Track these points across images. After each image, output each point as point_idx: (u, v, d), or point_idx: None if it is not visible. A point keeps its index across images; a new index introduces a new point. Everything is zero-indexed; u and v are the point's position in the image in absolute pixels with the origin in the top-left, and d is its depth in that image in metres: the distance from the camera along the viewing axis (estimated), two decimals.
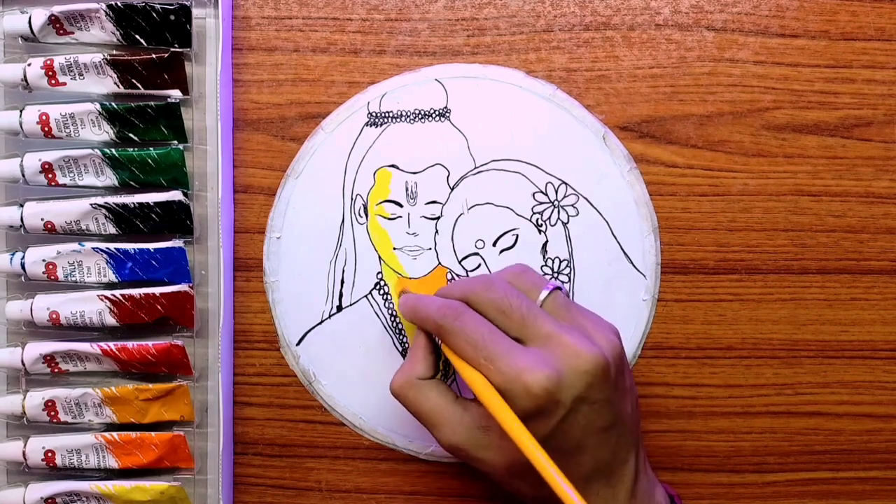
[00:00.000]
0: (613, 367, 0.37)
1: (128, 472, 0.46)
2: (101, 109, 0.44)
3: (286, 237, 0.46)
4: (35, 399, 0.45)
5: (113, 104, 0.44)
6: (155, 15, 0.43)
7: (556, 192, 0.45)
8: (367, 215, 0.46)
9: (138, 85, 0.44)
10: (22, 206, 0.44)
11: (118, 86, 0.44)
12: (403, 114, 0.46)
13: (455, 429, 0.38)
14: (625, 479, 0.38)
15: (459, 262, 0.46)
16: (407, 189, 0.46)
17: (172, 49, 0.44)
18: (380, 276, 0.46)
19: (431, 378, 0.40)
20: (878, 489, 0.46)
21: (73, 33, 0.44)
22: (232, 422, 0.47)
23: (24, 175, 0.44)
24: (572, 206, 0.46)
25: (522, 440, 0.34)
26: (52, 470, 0.45)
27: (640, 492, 0.39)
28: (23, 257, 0.44)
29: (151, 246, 0.44)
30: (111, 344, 0.44)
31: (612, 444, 0.38)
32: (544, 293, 0.39)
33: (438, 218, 0.46)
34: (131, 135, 0.44)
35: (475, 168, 0.46)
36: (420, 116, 0.46)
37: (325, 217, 0.46)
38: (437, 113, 0.46)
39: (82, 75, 0.44)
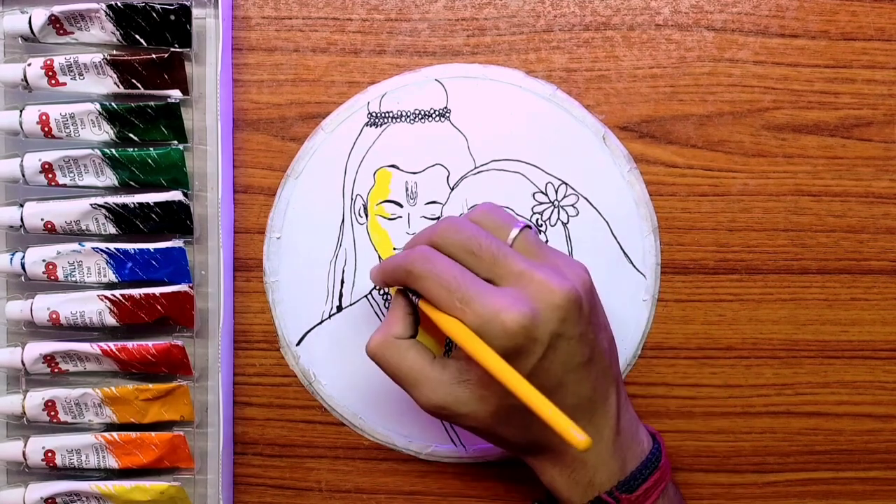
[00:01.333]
0: (586, 301, 0.37)
1: (128, 472, 0.46)
2: (101, 109, 0.44)
3: (286, 237, 0.46)
4: (35, 399, 0.45)
5: (113, 104, 0.44)
6: (155, 15, 0.43)
7: (556, 192, 0.45)
8: (367, 215, 0.46)
9: (138, 85, 0.44)
10: (22, 206, 0.44)
11: (118, 86, 0.44)
12: (403, 114, 0.46)
13: (434, 387, 0.38)
14: (608, 415, 0.38)
15: None
16: (407, 189, 0.46)
17: (172, 49, 0.44)
18: None
19: (409, 339, 0.40)
20: (878, 489, 0.46)
21: (73, 33, 0.44)
22: (232, 422, 0.47)
23: (24, 175, 0.44)
24: (572, 206, 0.46)
25: (507, 376, 0.34)
26: (52, 470, 0.45)
27: (624, 429, 0.39)
28: (23, 257, 0.44)
29: (151, 246, 0.44)
30: (111, 344, 0.44)
31: (592, 379, 0.38)
32: (514, 231, 0.39)
33: (438, 218, 0.46)
34: (131, 135, 0.44)
35: (475, 168, 0.46)
36: (420, 116, 0.46)
37: (325, 217, 0.46)
38: (437, 113, 0.46)
39: (82, 75, 0.44)
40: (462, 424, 0.39)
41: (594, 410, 0.38)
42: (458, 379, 0.38)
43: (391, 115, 0.46)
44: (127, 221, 0.44)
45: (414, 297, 0.39)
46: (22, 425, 0.45)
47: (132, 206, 0.44)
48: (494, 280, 0.37)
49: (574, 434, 0.32)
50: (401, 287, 0.40)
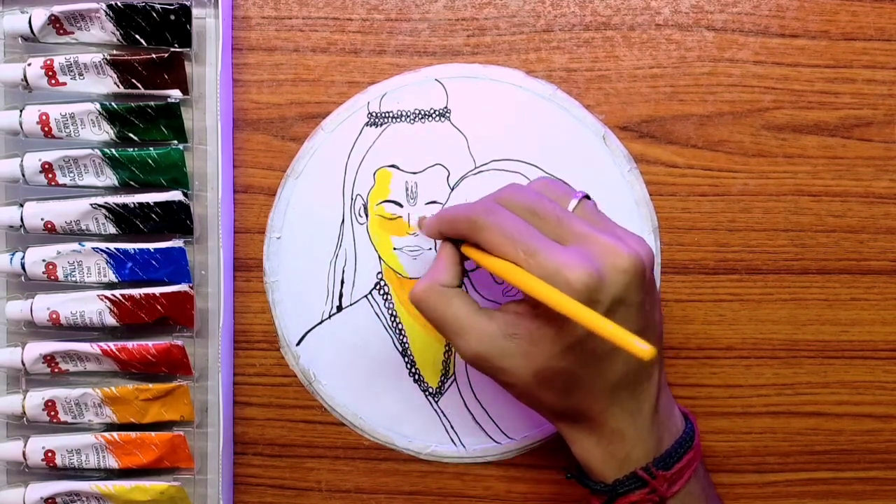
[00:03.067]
0: (648, 270, 0.37)
1: (128, 472, 0.46)
2: (101, 109, 0.44)
3: (286, 237, 0.46)
4: (35, 399, 0.45)
5: (113, 104, 0.44)
6: (155, 15, 0.43)
7: None
8: (367, 215, 0.46)
9: (138, 85, 0.44)
10: (22, 206, 0.44)
11: (118, 86, 0.44)
12: (403, 114, 0.46)
13: (480, 336, 0.37)
14: (650, 391, 0.38)
15: None
16: (407, 189, 0.46)
17: (172, 49, 0.44)
18: (380, 276, 0.46)
19: (456, 287, 0.39)
20: (878, 489, 0.46)
21: (73, 33, 0.44)
22: (232, 422, 0.47)
23: (24, 175, 0.44)
24: None
25: (568, 305, 0.33)
26: (52, 470, 0.45)
27: (662, 406, 0.39)
28: (23, 257, 0.44)
29: (151, 246, 0.44)
30: (111, 344, 0.44)
31: None
32: (574, 201, 0.38)
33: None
34: (131, 135, 0.44)
35: (475, 168, 0.46)
36: (420, 116, 0.46)
37: (325, 217, 0.46)
38: (437, 113, 0.46)
39: (82, 75, 0.44)
40: (500, 379, 0.38)
41: (638, 383, 0.38)
42: (506, 332, 0.37)
43: (391, 115, 0.46)
44: (127, 221, 0.44)
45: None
46: (22, 425, 0.45)
47: (132, 206, 0.44)
48: (558, 241, 0.36)
49: (638, 344, 0.32)
50: (450, 239, 0.40)
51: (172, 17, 0.44)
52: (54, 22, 0.43)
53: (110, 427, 0.46)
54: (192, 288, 0.45)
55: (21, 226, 0.44)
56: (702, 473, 0.40)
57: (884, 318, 0.46)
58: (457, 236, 0.40)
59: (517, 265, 0.36)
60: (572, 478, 0.41)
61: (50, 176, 0.44)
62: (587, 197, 0.39)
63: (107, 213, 0.44)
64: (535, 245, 0.35)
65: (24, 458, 0.45)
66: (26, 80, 0.44)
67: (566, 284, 0.34)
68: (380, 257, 0.46)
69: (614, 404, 0.37)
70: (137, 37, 0.44)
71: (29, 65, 0.43)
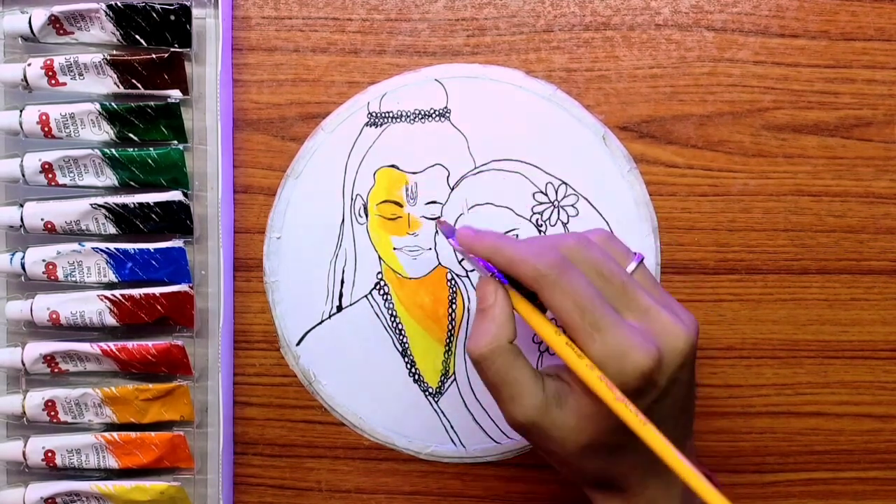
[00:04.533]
0: (696, 346, 0.36)
1: (128, 472, 0.46)
2: (101, 109, 0.44)
3: (286, 237, 0.46)
4: (35, 399, 0.45)
5: (113, 104, 0.44)
6: (155, 15, 0.43)
7: (556, 192, 0.45)
8: (367, 215, 0.46)
9: (138, 85, 0.44)
10: (22, 206, 0.44)
11: (118, 86, 0.44)
12: (403, 114, 0.46)
13: (536, 403, 0.35)
14: (688, 456, 0.37)
15: (459, 263, 0.46)
16: (407, 189, 0.46)
17: (172, 49, 0.44)
18: (380, 276, 0.46)
19: (516, 345, 0.36)
20: (878, 489, 0.46)
21: (73, 33, 0.44)
22: (232, 422, 0.47)
23: (24, 175, 0.44)
24: (572, 206, 0.45)
25: (628, 415, 0.32)
26: (52, 470, 0.45)
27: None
28: (23, 257, 0.44)
29: (151, 246, 0.44)
30: (111, 344, 0.44)
31: (684, 422, 0.37)
32: (633, 264, 0.36)
33: (439, 218, 0.46)
34: (131, 135, 0.44)
35: (475, 168, 0.46)
36: (420, 116, 0.46)
37: (325, 217, 0.46)
38: (437, 113, 0.46)
39: (82, 75, 0.44)
40: (545, 447, 0.36)
41: (679, 450, 0.37)
42: (558, 402, 0.35)
43: (391, 115, 0.46)
44: (127, 221, 0.44)
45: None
46: (22, 425, 0.45)
47: (132, 206, 0.44)
48: (620, 310, 0.34)
49: (707, 485, 0.31)
50: (496, 273, 0.36)
51: (172, 18, 0.44)
52: (54, 22, 0.43)
53: (110, 427, 0.46)
54: (192, 288, 0.45)
55: (21, 226, 0.44)
56: None
57: (884, 318, 0.46)
58: (510, 274, 0.35)
59: (579, 339, 0.33)
60: None
61: (50, 176, 0.44)
62: (643, 259, 0.37)
63: (107, 213, 0.44)
64: (605, 320, 0.33)
65: (24, 458, 0.45)
66: (26, 80, 0.44)
67: (632, 367, 0.33)
68: (380, 257, 0.46)
69: (652, 474, 0.36)
70: (137, 37, 0.44)
71: (29, 65, 0.43)
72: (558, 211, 0.45)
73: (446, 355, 0.46)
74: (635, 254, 0.37)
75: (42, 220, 0.44)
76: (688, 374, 0.35)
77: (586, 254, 0.35)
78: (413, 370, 0.46)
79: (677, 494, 0.37)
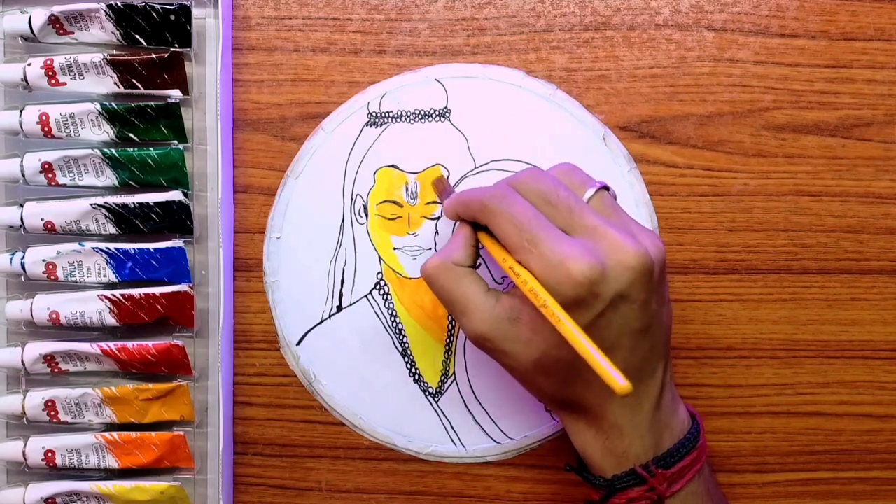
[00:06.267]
0: (657, 268, 0.36)
1: (128, 472, 0.46)
2: (101, 109, 0.44)
3: (286, 237, 0.46)
4: (35, 399, 0.45)
5: (113, 104, 0.44)
6: (155, 15, 0.43)
7: None
8: (367, 215, 0.46)
9: (138, 85, 0.44)
10: (22, 206, 0.44)
11: (118, 86, 0.44)
12: (403, 114, 0.46)
13: (484, 317, 0.38)
14: (651, 389, 0.38)
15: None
16: (407, 189, 0.46)
17: (172, 49, 0.44)
18: (380, 276, 0.46)
19: (468, 268, 0.39)
20: (878, 489, 0.46)
21: (73, 33, 0.44)
22: (232, 422, 0.47)
23: (24, 175, 0.44)
24: None
25: (564, 325, 0.34)
26: (52, 470, 0.45)
27: (665, 405, 0.39)
28: (23, 257, 0.44)
29: (151, 246, 0.45)
30: (111, 344, 0.44)
31: (644, 349, 0.37)
32: (591, 191, 0.38)
33: (438, 218, 0.46)
34: (131, 135, 0.44)
35: (475, 168, 0.46)
36: (420, 116, 0.46)
37: (325, 217, 0.46)
38: (437, 113, 0.46)
39: (82, 75, 0.44)
40: (502, 361, 0.39)
41: (639, 381, 0.37)
42: (510, 316, 0.37)
43: (391, 115, 0.46)
44: (127, 221, 0.44)
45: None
46: (22, 425, 0.45)
47: (132, 206, 0.44)
48: (567, 231, 0.36)
49: (615, 377, 0.32)
50: (468, 221, 0.40)
51: (172, 17, 0.44)
52: (54, 22, 0.43)
53: (110, 427, 0.46)
54: (192, 288, 0.45)
55: (21, 226, 0.44)
56: (707, 474, 0.40)
57: (884, 318, 0.46)
58: (471, 219, 0.39)
59: (520, 256, 0.36)
60: (571, 470, 0.41)
61: (50, 176, 0.44)
62: (606, 188, 0.38)
63: (107, 213, 0.44)
64: (541, 235, 0.35)
65: (24, 458, 0.45)
66: (26, 80, 0.44)
67: (567, 276, 0.34)
68: (380, 257, 0.46)
69: (613, 399, 0.37)
70: (137, 37, 0.44)
71: (29, 65, 0.43)
72: None
73: (446, 355, 0.46)
74: (597, 181, 0.39)
75: (42, 219, 0.44)
76: (641, 294, 0.36)
77: (535, 184, 0.38)
78: (413, 370, 0.46)
79: (643, 422, 0.38)
